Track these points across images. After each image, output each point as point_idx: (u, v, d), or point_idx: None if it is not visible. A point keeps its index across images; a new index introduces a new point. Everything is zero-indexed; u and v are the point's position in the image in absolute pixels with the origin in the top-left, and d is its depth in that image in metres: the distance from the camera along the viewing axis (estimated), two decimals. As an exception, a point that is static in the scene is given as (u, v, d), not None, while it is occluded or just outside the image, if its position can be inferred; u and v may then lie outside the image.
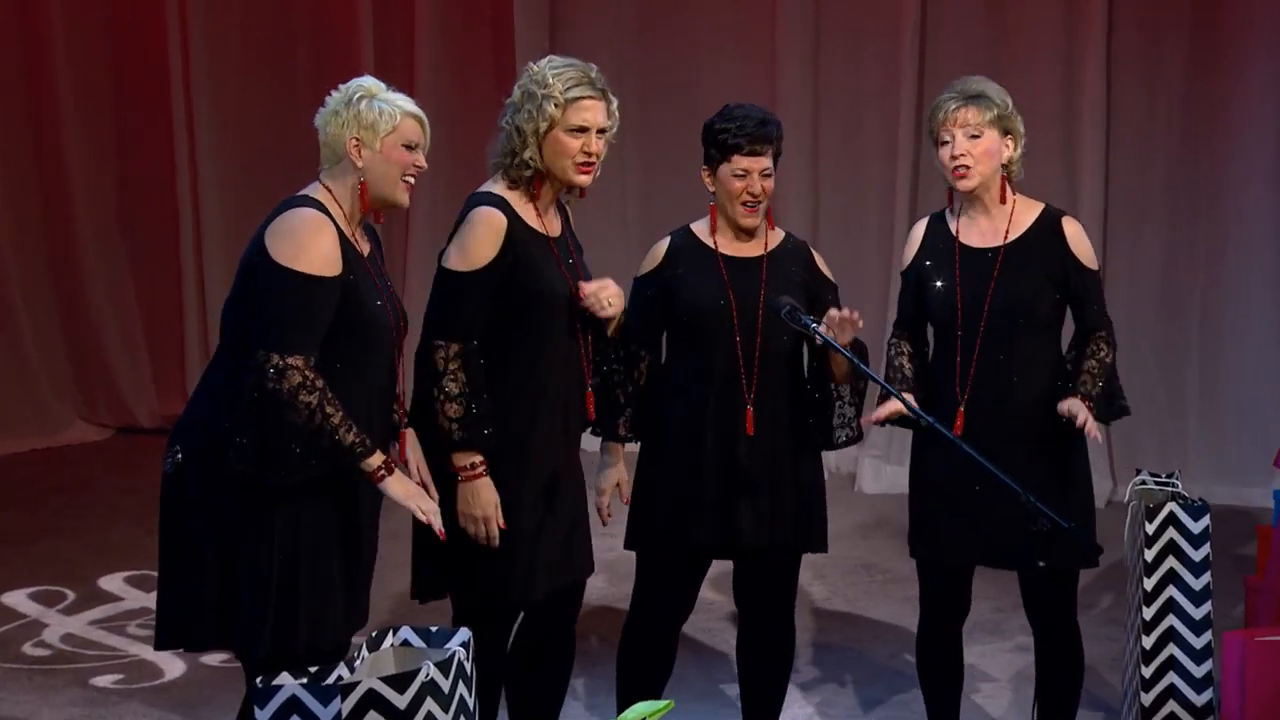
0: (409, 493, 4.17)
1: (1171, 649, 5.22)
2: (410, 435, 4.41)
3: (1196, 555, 5.21)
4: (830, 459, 7.57)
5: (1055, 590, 4.90)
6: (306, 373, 4.03)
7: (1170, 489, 5.36)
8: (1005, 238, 4.86)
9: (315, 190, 4.19)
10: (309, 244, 4.08)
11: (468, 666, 4.05)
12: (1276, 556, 5.68)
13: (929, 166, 8.31)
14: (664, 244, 4.94)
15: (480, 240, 4.44)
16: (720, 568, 5.07)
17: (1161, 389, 8.23)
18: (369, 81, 4.25)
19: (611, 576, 6.37)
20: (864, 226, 8.73)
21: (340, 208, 4.18)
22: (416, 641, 4.19)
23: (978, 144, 4.78)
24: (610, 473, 4.87)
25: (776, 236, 4.93)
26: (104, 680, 5.99)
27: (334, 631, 4.16)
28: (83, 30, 9.45)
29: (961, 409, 4.80)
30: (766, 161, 4.79)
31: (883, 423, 4.77)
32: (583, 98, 4.49)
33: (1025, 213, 4.89)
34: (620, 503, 4.87)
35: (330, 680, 3.96)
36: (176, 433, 4.21)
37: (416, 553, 4.60)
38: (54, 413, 9.50)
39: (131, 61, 9.54)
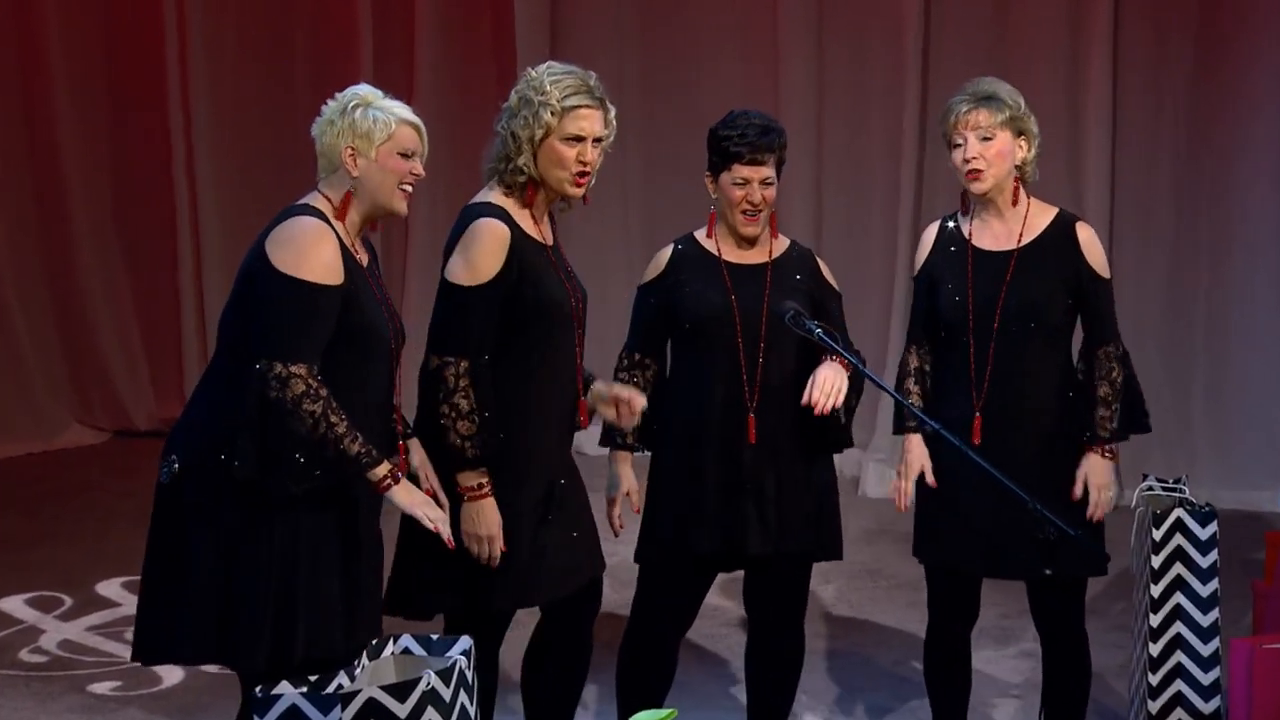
0: (415, 501, 4.13)
1: (1179, 656, 5.21)
2: (414, 444, 4.37)
3: (1204, 561, 5.20)
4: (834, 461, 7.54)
5: (1063, 598, 4.89)
6: (310, 381, 4.00)
7: (1177, 494, 5.35)
8: (1019, 240, 4.84)
9: (315, 199, 4.17)
10: (311, 252, 4.05)
11: (469, 675, 4.03)
12: (1286, 562, 5.66)
13: (933, 168, 8.33)
14: (667, 252, 4.91)
15: (486, 252, 4.39)
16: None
17: (1167, 391, 8.18)
18: (365, 89, 4.23)
19: (615, 583, 6.32)
20: (867, 228, 8.71)
21: (339, 216, 4.14)
22: (417, 649, 4.18)
23: (990, 146, 4.76)
24: (620, 483, 4.85)
25: (781, 244, 4.90)
26: (102, 687, 5.96)
27: (331, 646, 4.11)
28: (78, 28, 9.43)
29: (979, 416, 4.78)
30: (767, 170, 4.76)
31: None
32: (580, 106, 4.44)
33: (1039, 216, 4.87)
34: (631, 512, 4.85)
35: (330, 689, 3.95)
36: (173, 441, 4.17)
37: (400, 567, 4.52)
38: (50, 416, 9.48)
39: (128, 60, 9.52)
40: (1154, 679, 5.20)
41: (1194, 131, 8.21)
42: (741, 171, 4.75)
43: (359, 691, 3.84)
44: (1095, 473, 4.80)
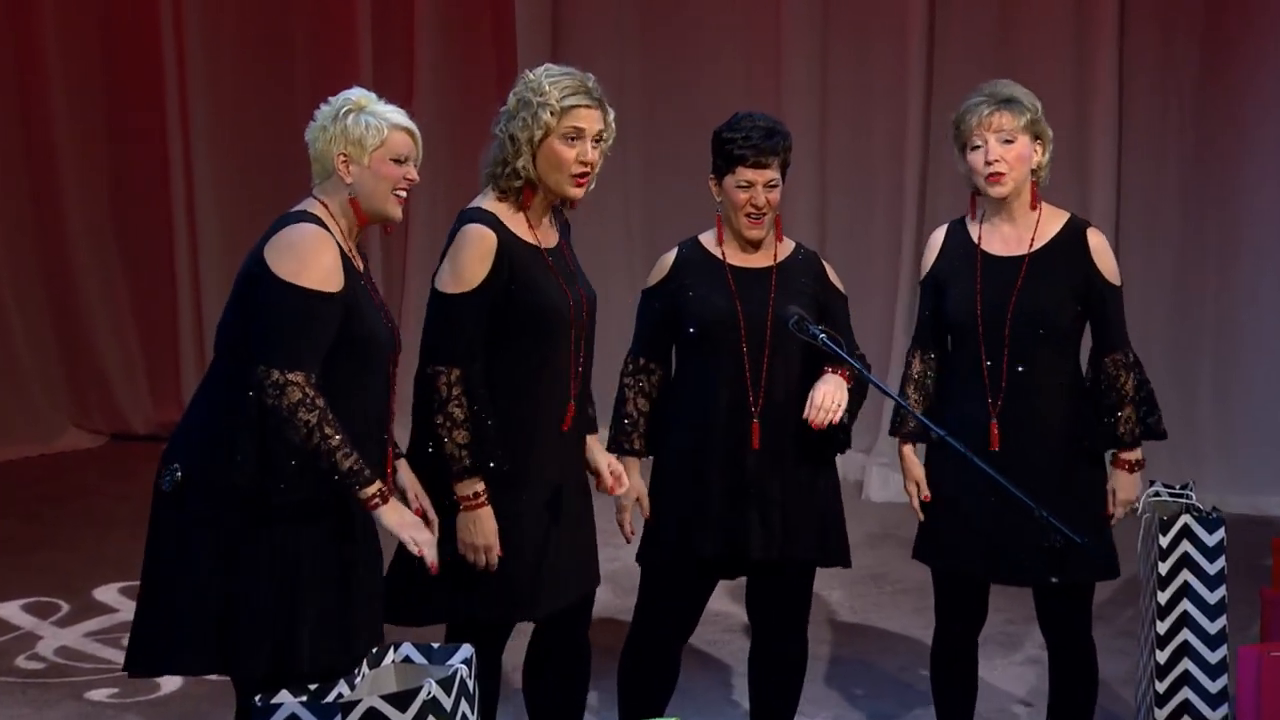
0: (403, 522, 4.09)
1: (1186, 664, 5.21)
2: (403, 464, 4.35)
3: (1211, 568, 5.20)
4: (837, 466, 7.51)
5: (1070, 604, 4.87)
6: (306, 390, 3.96)
7: (1184, 500, 5.33)
8: (1031, 245, 4.80)
9: (312, 205, 4.13)
10: (311, 259, 4.01)
11: (470, 684, 4.00)
12: (1294, 569, 5.63)
13: (936, 169, 8.30)
14: (671, 255, 4.88)
15: (471, 260, 4.37)
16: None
17: (1174, 395, 8.13)
18: (358, 94, 4.18)
19: (616, 589, 6.32)
20: (871, 230, 8.69)
21: (337, 223, 4.12)
22: (418, 658, 4.16)
23: (1011, 149, 4.74)
24: (629, 488, 4.80)
25: (786, 247, 4.87)
26: (99, 694, 5.94)
27: (332, 654, 4.07)
28: (76, 28, 9.42)
29: (995, 423, 4.75)
30: (772, 174, 4.73)
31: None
32: (579, 106, 4.42)
33: (1051, 221, 4.84)
34: (640, 516, 4.83)
35: (330, 698, 3.93)
36: (174, 446, 4.13)
37: (397, 574, 4.48)
38: (47, 419, 9.46)
39: (125, 60, 9.49)
40: (1161, 686, 5.19)
41: (1201, 134, 8.19)
42: (746, 174, 4.71)
43: (359, 701, 3.82)
44: (1123, 488, 4.82)
